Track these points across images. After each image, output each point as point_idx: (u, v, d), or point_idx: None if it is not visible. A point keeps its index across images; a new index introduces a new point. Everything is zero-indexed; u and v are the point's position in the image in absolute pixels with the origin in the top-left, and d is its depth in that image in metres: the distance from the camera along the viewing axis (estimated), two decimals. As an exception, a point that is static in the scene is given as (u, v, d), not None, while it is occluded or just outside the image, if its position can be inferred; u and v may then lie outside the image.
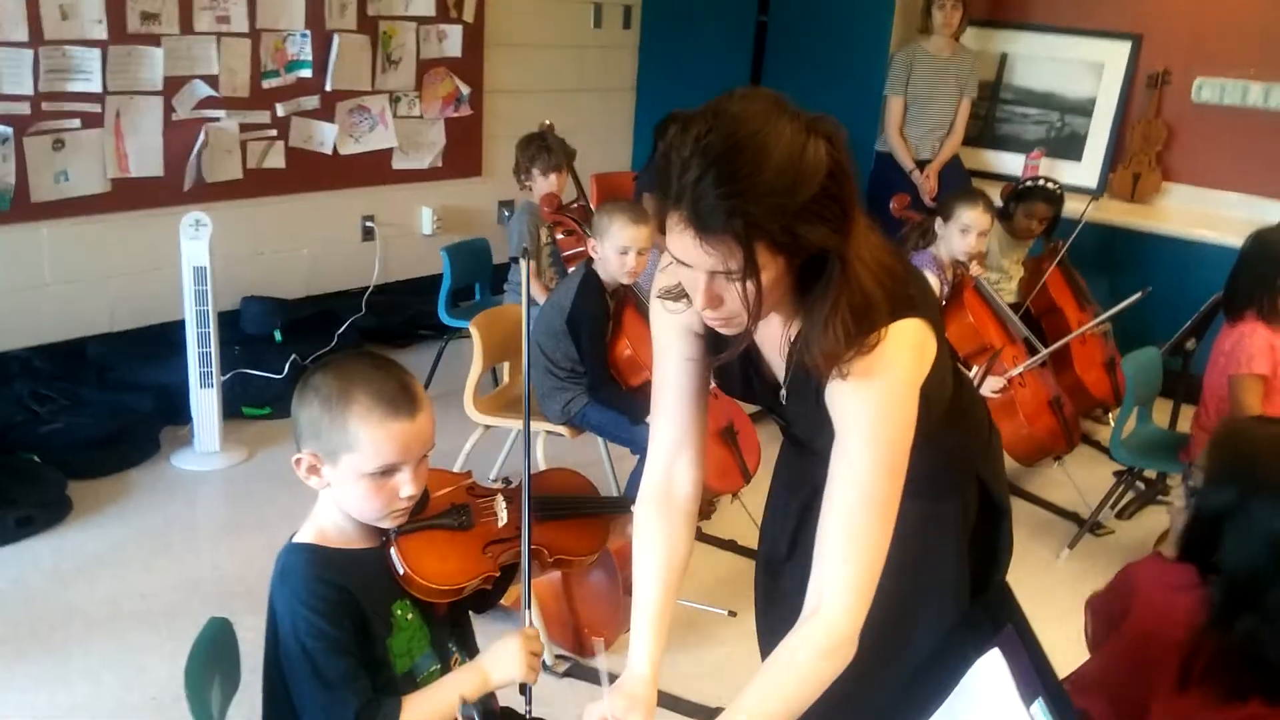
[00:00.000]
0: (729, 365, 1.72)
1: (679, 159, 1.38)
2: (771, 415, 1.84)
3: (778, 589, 2.03)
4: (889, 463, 1.55)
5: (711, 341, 1.70)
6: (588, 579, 3.16)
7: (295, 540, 1.77)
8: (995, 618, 1.63)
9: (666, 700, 2.95)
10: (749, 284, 1.42)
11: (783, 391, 1.72)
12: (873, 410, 1.54)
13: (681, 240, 1.42)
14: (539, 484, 2.12)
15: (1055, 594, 3.31)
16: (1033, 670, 1.48)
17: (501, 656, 1.79)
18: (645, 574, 1.73)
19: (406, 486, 1.71)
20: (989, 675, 1.56)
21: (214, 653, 1.87)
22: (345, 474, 1.69)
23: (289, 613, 1.68)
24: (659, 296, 1.67)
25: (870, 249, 1.52)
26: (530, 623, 1.88)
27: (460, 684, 1.76)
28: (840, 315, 1.49)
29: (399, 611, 1.79)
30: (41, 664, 2.95)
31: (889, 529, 1.56)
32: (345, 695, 1.66)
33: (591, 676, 3.00)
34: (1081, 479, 4.31)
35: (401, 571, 1.78)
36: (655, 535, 1.75)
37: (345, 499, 1.73)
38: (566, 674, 3.06)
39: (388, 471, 1.69)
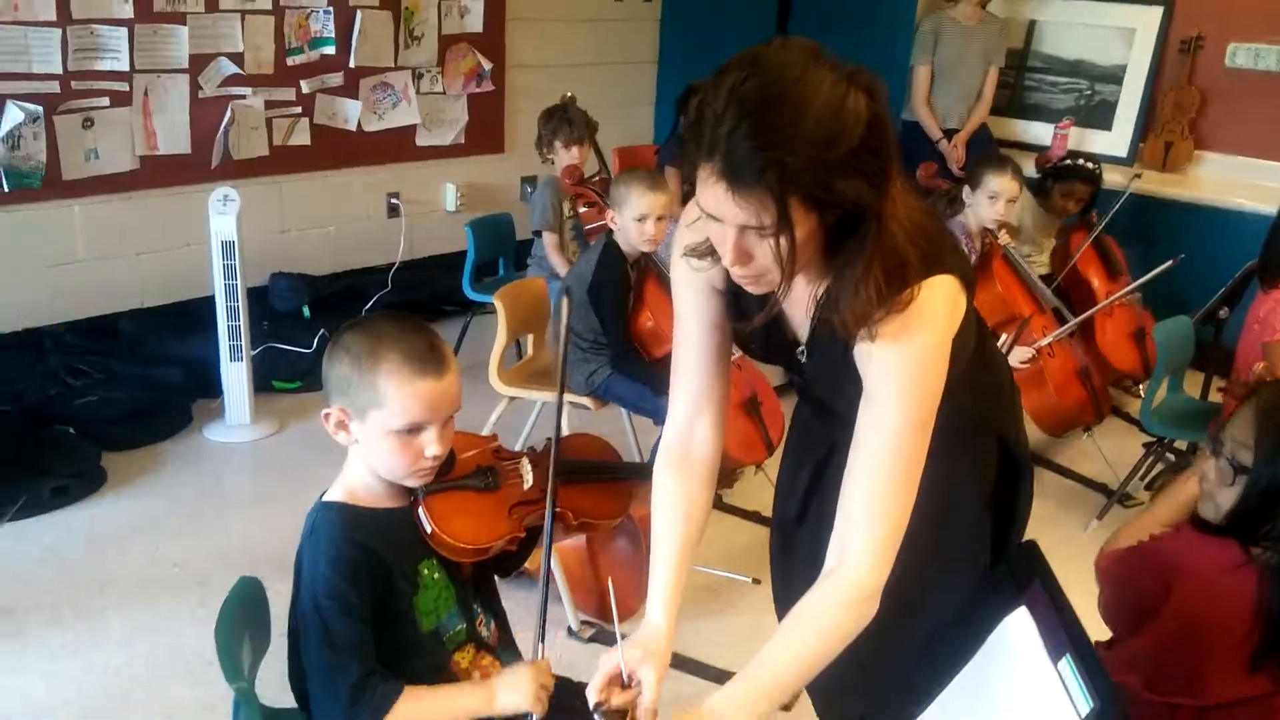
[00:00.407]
0: (755, 330, 1.70)
1: (712, 112, 1.34)
2: (789, 374, 1.83)
3: (791, 551, 2.04)
4: (918, 420, 1.53)
5: (734, 300, 1.69)
6: (613, 546, 3.18)
7: (325, 499, 1.79)
8: (1022, 576, 1.63)
9: (691, 665, 2.97)
10: (781, 240, 1.39)
11: (802, 349, 1.71)
12: (904, 368, 1.52)
13: (713, 193, 1.39)
14: (565, 448, 2.13)
15: (1083, 564, 3.26)
16: (1060, 628, 1.48)
17: (512, 683, 1.78)
18: (663, 532, 1.72)
19: (432, 446, 1.72)
20: (1016, 634, 1.56)
21: (244, 612, 1.90)
22: (373, 431, 1.70)
23: (311, 569, 1.71)
24: (684, 254, 1.66)
25: (906, 208, 1.49)
26: (543, 655, 1.86)
27: (466, 698, 1.77)
28: (872, 275, 1.46)
29: (425, 571, 1.80)
30: (76, 629, 3.00)
31: (914, 487, 1.55)
32: (349, 661, 1.67)
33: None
34: (1110, 450, 4.28)
35: (429, 530, 1.79)
36: (673, 494, 1.74)
37: (372, 456, 1.75)
38: (591, 639, 3.08)
39: (414, 430, 1.71)
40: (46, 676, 2.81)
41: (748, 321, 1.65)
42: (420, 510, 1.80)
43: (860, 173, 1.37)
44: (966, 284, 1.59)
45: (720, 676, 2.90)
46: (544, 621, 1.88)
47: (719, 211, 1.41)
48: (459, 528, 1.82)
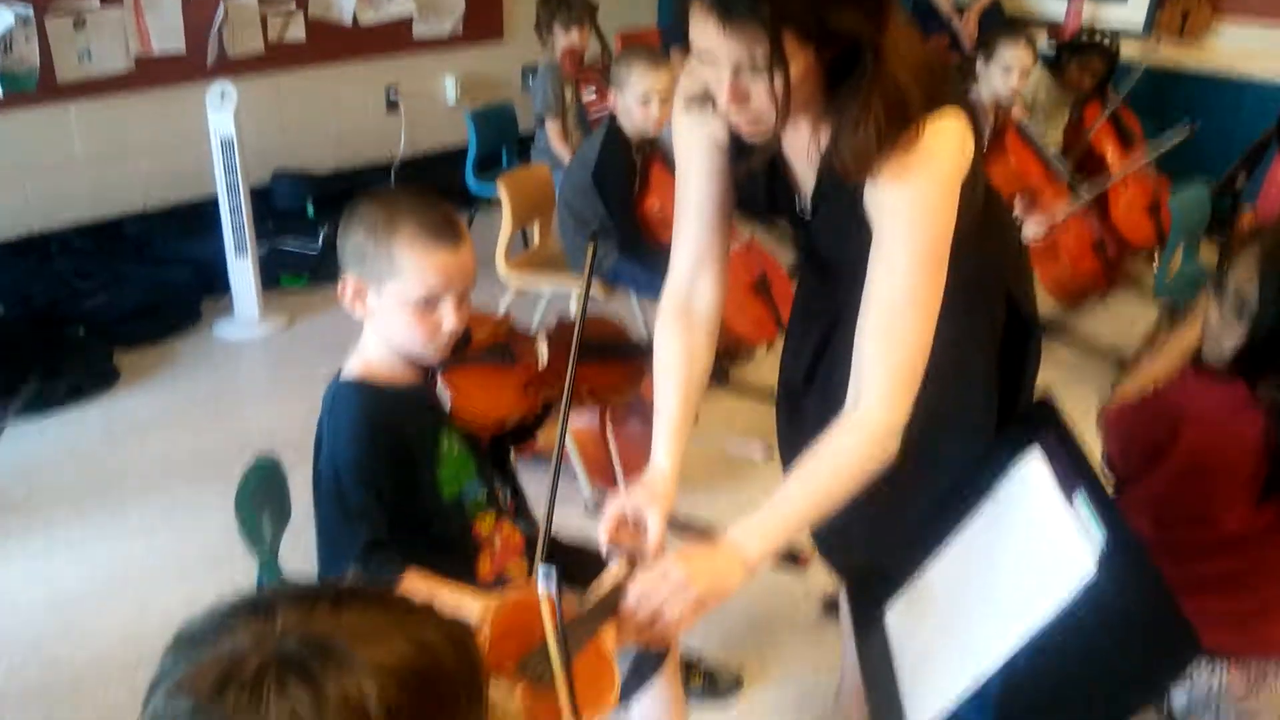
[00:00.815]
0: (753, 179, 1.68)
1: None
2: (795, 232, 1.80)
3: (798, 418, 2.03)
4: (929, 259, 1.51)
5: (735, 154, 1.66)
6: (626, 425, 3.19)
7: (344, 377, 1.78)
8: (1036, 423, 1.62)
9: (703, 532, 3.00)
10: (776, 77, 1.36)
11: (806, 204, 1.68)
12: (912, 207, 1.50)
13: (704, 30, 1.37)
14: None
15: (1096, 434, 3.30)
16: (1072, 465, 1.48)
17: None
18: (665, 382, 1.72)
19: (449, 319, 1.70)
20: (1029, 475, 1.56)
21: (262, 487, 1.92)
22: (389, 302, 1.69)
23: (331, 439, 1.72)
24: (684, 105, 1.63)
25: (907, 43, 1.45)
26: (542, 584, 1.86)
27: (467, 603, 1.71)
28: (873, 112, 1.43)
29: (445, 443, 1.81)
30: (99, 521, 3.04)
31: (929, 330, 1.53)
32: (359, 527, 1.68)
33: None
34: (1125, 321, 4.26)
35: (449, 403, 1.79)
36: (675, 345, 1.73)
37: (389, 329, 1.73)
38: (608, 517, 3.11)
39: (431, 302, 1.69)
40: (74, 564, 2.87)
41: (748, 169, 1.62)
42: (440, 384, 1.80)
43: (855, 2, 1.35)
44: (973, 124, 1.55)
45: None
46: (554, 498, 1.88)
47: (713, 49, 1.38)
48: (479, 401, 1.83)
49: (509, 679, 1.49)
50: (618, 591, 1.62)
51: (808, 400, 2.02)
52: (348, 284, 1.71)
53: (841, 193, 1.57)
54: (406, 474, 1.75)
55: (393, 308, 1.69)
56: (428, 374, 1.82)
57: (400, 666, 0.81)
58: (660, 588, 1.49)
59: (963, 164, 1.53)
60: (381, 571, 1.67)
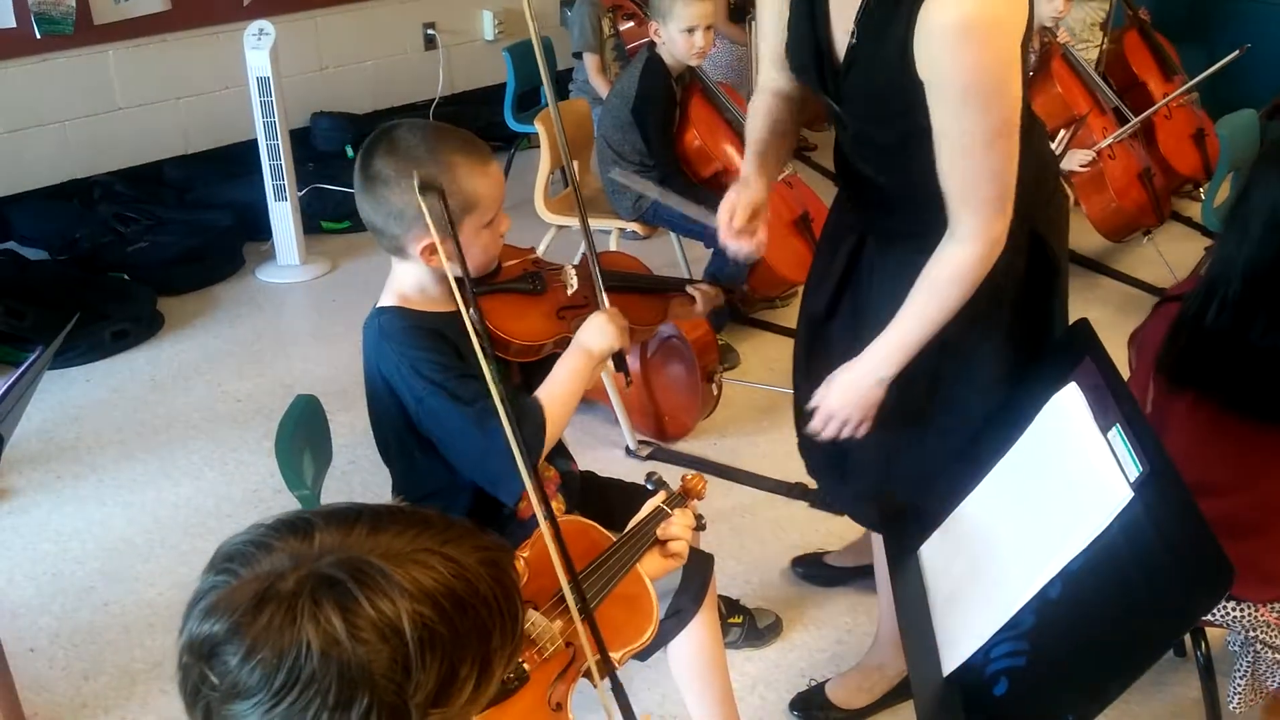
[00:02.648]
0: (800, 31, 1.71)
1: None
2: (829, 108, 1.79)
3: (820, 345, 2.03)
4: (996, 105, 1.55)
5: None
6: (667, 368, 3.19)
7: (381, 305, 1.78)
8: (1073, 353, 1.60)
9: (744, 477, 3.01)
10: None
11: (844, 62, 1.67)
12: (971, 53, 1.51)
13: None
14: (603, 263, 2.12)
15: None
16: (1110, 398, 1.46)
17: (594, 330, 1.83)
18: (756, 130, 1.89)
19: (505, 221, 1.75)
20: (1065, 409, 1.54)
21: (303, 427, 1.93)
22: (468, 236, 1.68)
23: (404, 362, 1.70)
24: None
25: None
26: (608, 304, 1.94)
27: (573, 364, 1.81)
28: None
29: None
30: (147, 464, 3.10)
31: (1012, 154, 1.59)
32: (488, 404, 1.62)
33: (675, 459, 3.07)
34: (1171, 254, 4.17)
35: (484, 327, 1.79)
36: (766, 103, 1.89)
37: (469, 259, 1.69)
38: (650, 457, 3.12)
39: (496, 214, 1.72)
40: (125, 507, 2.92)
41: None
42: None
43: None
44: None
45: (776, 487, 2.95)
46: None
47: None
48: (513, 326, 1.85)
49: (548, 607, 1.51)
50: (656, 518, 1.64)
51: (830, 331, 2.01)
52: (422, 243, 1.67)
53: (884, 43, 1.57)
54: None
55: (471, 240, 1.69)
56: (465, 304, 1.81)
57: (435, 588, 0.82)
58: (829, 398, 1.77)
59: (1019, 19, 1.55)
60: (536, 419, 1.72)
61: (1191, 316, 1.76)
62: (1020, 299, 1.82)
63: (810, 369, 2.02)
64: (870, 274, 1.90)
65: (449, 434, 1.72)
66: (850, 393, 1.76)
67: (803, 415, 1.93)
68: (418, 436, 1.75)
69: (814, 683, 2.32)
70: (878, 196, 1.80)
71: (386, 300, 1.79)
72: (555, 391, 1.77)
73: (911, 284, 1.71)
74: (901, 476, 1.91)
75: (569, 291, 2.00)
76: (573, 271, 2.05)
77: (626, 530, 1.65)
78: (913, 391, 1.79)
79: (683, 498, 1.75)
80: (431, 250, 1.67)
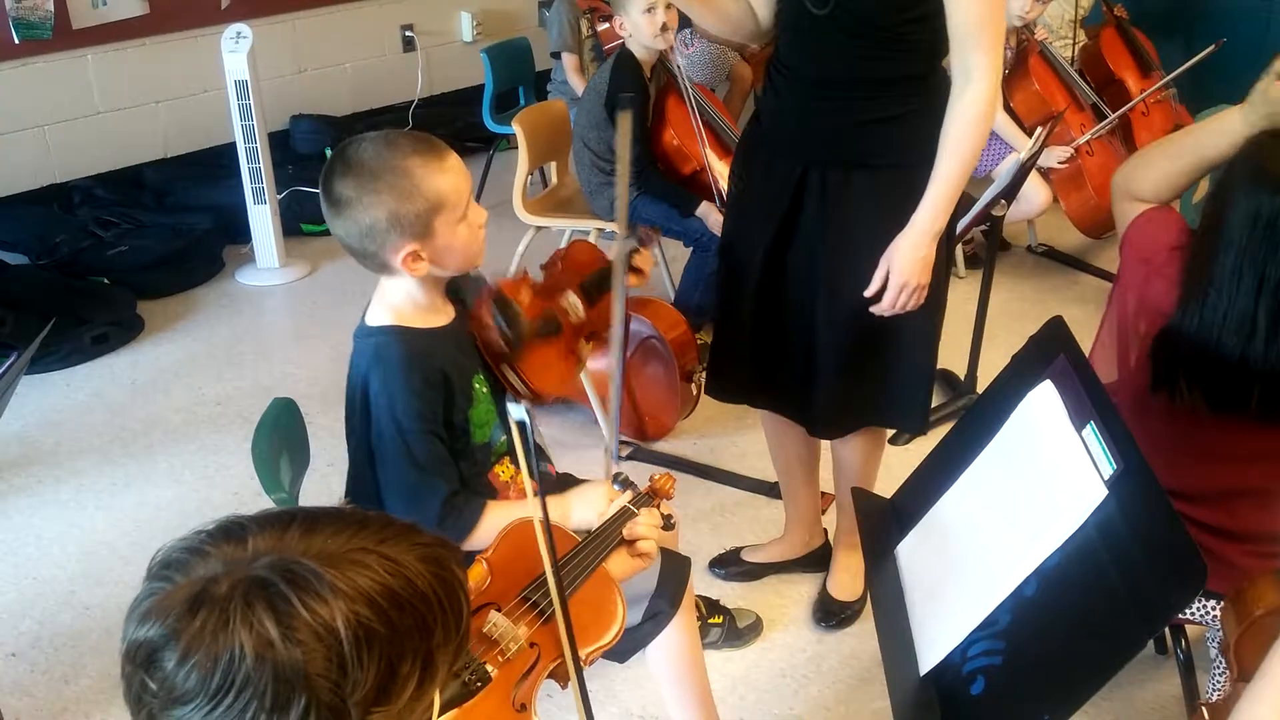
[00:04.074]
0: None
1: None
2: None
3: (775, 273, 2.21)
4: None
5: None
6: (646, 368, 3.19)
7: (375, 324, 1.74)
8: (1047, 351, 1.61)
9: (727, 477, 3.02)
10: None
11: None
12: None
13: None
14: (574, 258, 2.11)
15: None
16: (1085, 396, 1.46)
17: (588, 500, 1.78)
18: None
19: (480, 212, 1.72)
20: (1040, 407, 1.55)
21: (280, 430, 1.93)
22: (444, 235, 1.66)
23: (386, 393, 1.68)
24: None
25: None
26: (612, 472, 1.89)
27: (589, 498, 1.78)
28: None
29: (478, 385, 1.80)
30: (127, 467, 3.09)
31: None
32: (435, 481, 1.68)
33: (654, 459, 3.07)
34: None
35: (526, 389, 1.81)
36: None
37: (450, 258, 1.71)
38: (629, 457, 3.13)
39: (467, 207, 1.69)
40: (104, 510, 2.92)
41: None
42: (513, 376, 1.81)
43: None
44: None
45: (755, 486, 2.96)
46: (616, 441, 1.93)
47: None
48: (544, 381, 1.85)
49: (511, 608, 1.51)
50: (622, 518, 1.64)
51: (788, 259, 2.18)
52: (401, 254, 1.65)
53: None
54: (448, 416, 1.74)
55: (448, 238, 1.67)
56: (458, 309, 1.81)
57: (370, 587, 0.82)
58: (898, 270, 2.01)
59: None
60: (467, 518, 1.70)
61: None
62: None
63: (764, 295, 2.19)
64: (822, 200, 2.08)
65: (387, 479, 1.72)
66: (914, 255, 2.00)
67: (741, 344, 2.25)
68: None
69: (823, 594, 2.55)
70: (835, 109, 2.01)
71: (381, 318, 1.74)
72: (502, 518, 1.68)
73: (888, 200, 2.03)
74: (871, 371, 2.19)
75: (578, 317, 1.99)
76: (575, 299, 2.03)
77: (593, 531, 1.65)
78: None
79: (649, 497, 1.74)
80: (414, 257, 1.65)
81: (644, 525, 1.65)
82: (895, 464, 3.03)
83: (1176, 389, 1.75)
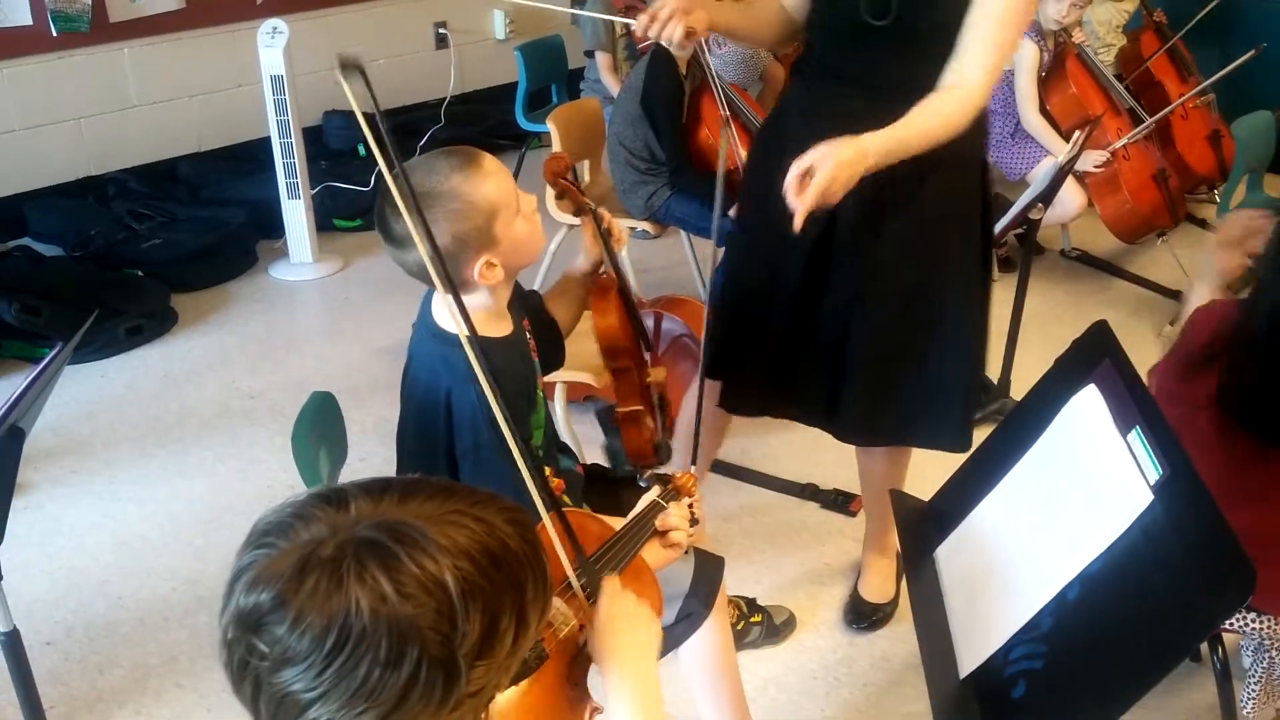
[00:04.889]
0: None
1: None
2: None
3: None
4: None
5: None
6: (677, 367, 3.18)
7: (453, 332, 1.70)
8: (1092, 356, 1.60)
9: (757, 478, 3.01)
10: None
11: None
12: None
13: None
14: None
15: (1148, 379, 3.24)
16: (1130, 401, 1.45)
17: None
18: None
19: (529, 199, 1.73)
20: (1084, 411, 1.54)
21: (319, 424, 1.94)
22: (506, 236, 1.68)
23: (484, 404, 1.65)
24: None
25: None
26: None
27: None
28: None
29: (538, 394, 1.83)
30: (161, 459, 3.11)
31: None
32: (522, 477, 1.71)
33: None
34: (1185, 256, 4.16)
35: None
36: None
37: (517, 257, 1.73)
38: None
39: (517, 201, 1.70)
40: (139, 503, 2.93)
41: None
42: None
43: None
44: None
45: (786, 487, 2.95)
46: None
47: None
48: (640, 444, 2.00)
49: (559, 591, 1.52)
50: (653, 511, 1.64)
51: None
52: (476, 268, 1.66)
53: None
54: (519, 422, 1.75)
55: (512, 237, 1.69)
56: (518, 323, 1.82)
57: (470, 545, 0.86)
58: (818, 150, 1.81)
59: None
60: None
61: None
62: (983, 208, 2.16)
63: (802, 302, 2.17)
64: (859, 203, 2.02)
65: (485, 484, 1.72)
66: (841, 149, 1.79)
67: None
68: (451, 460, 1.74)
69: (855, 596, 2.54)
70: (884, 111, 1.93)
71: (448, 324, 1.73)
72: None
73: (932, 203, 2.03)
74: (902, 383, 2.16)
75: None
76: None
77: (626, 521, 1.65)
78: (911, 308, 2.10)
79: (675, 494, 1.74)
80: (488, 265, 1.67)
81: (675, 517, 1.64)
82: (932, 468, 3.03)
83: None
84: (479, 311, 1.75)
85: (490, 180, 1.67)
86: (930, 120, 1.91)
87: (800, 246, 2.10)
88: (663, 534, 1.65)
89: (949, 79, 1.93)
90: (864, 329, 2.13)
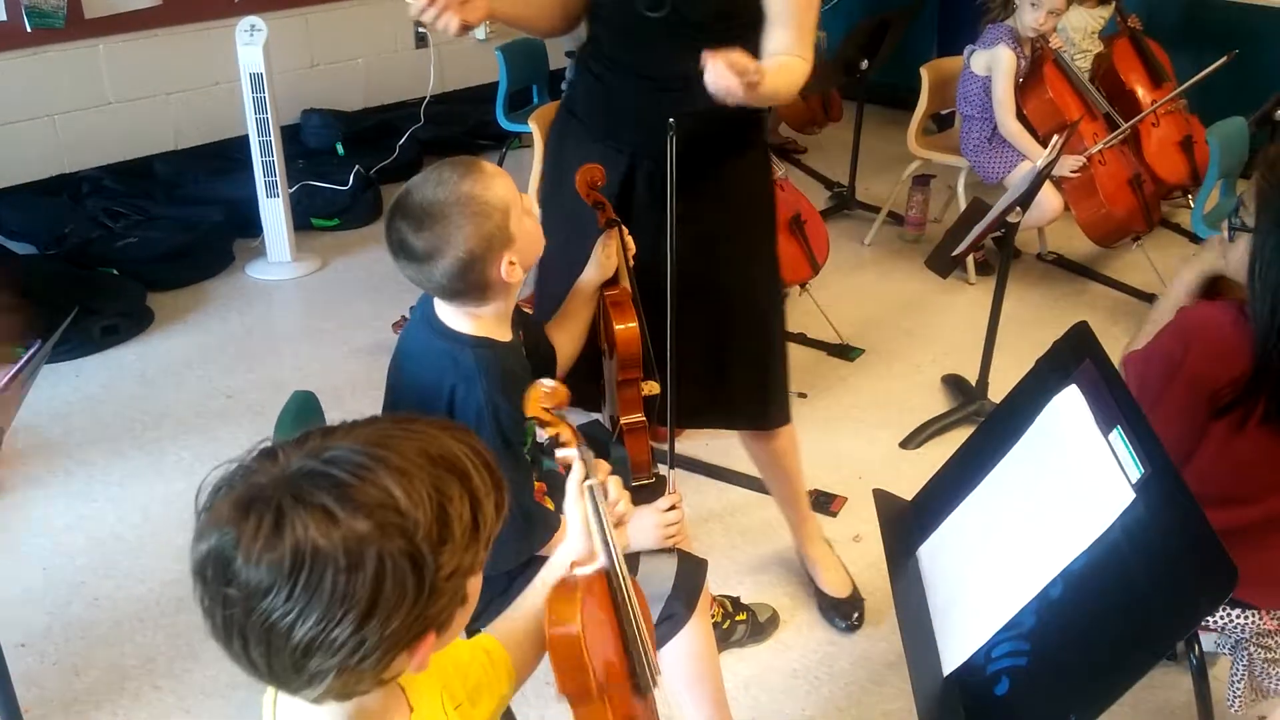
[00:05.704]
0: None
1: None
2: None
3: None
4: None
5: None
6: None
7: (462, 331, 1.75)
8: (1073, 356, 1.61)
9: (738, 478, 3.02)
10: None
11: None
12: None
13: None
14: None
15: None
16: (1111, 400, 1.47)
17: (639, 526, 1.84)
18: None
19: (528, 198, 1.77)
20: (1066, 411, 1.55)
21: (300, 422, 1.92)
22: (520, 232, 1.70)
23: (491, 405, 1.70)
24: None
25: None
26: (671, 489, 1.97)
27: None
28: None
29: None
30: (138, 460, 3.09)
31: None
32: (530, 479, 1.78)
33: (664, 460, 3.06)
34: (1160, 261, 4.20)
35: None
36: None
37: (529, 253, 1.75)
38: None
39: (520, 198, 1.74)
40: (115, 503, 2.91)
41: None
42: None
43: None
44: None
45: (764, 486, 2.95)
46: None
47: None
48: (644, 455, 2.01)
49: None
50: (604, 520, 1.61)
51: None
52: (502, 266, 1.67)
53: None
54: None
55: (522, 232, 1.71)
56: (517, 327, 1.84)
57: (403, 448, 0.92)
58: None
59: None
60: (551, 524, 1.77)
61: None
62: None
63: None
64: (650, 189, 2.07)
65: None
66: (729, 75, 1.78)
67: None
68: None
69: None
70: (671, 101, 1.93)
71: (466, 326, 1.75)
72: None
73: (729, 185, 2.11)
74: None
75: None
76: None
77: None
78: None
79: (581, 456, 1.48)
80: (510, 263, 1.69)
81: (613, 491, 1.44)
82: (910, 468, 3.06)
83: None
84: (492, 317, 1.77)
85: (497, 180, 1.70)
86: (793, 77, 2.00)
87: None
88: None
89: (778, 52, 2.00)
90: (697, 314, 2.11)
